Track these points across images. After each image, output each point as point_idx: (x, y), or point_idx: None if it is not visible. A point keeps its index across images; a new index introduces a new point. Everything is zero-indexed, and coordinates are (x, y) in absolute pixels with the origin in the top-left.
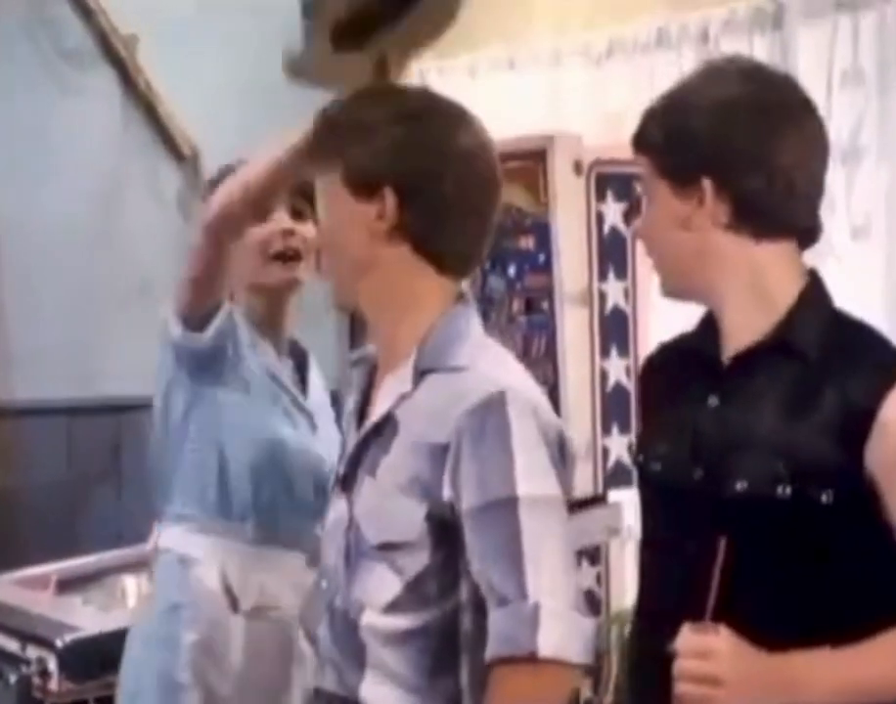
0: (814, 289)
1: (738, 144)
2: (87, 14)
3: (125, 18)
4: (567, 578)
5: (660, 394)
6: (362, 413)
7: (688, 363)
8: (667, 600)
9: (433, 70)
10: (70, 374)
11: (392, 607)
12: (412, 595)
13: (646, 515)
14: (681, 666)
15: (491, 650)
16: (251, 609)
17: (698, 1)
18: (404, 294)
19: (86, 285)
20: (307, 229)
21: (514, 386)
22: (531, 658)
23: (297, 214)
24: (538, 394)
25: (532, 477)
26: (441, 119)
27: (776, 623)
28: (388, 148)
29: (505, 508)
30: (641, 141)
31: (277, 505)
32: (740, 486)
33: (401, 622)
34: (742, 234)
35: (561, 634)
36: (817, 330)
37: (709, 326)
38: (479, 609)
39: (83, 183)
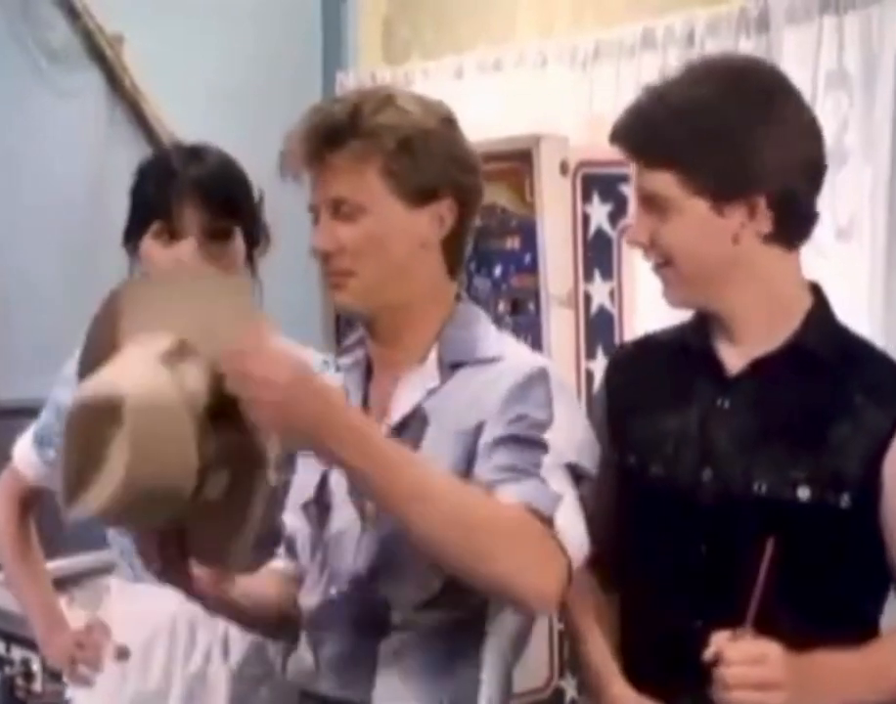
0: (822, 302)
1: (786, 155)
2: (73, 14)
3: (111, 17)
4: (582, 521)
5: (646, 395)
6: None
7: (681, 364)
8: (674, 602)
9: (419, 72)
10: (59, 373)
11: (430, 604)
12: (450, 589)
13: (635, 517)
14: (736, 673)
15: (517, 495)
16: None
17: (684, 3)
18: (428, 294)
19: (73, 285)
20: (226, 251)
21: (551, 365)
22: (549, 521)
23: (221, 234)
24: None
25: (567, 436)
26: None
27: (793, 624)
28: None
29: (531, 444)
30: (659, 152)
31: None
32: (758, 487)
33: (435, 616)
34: (776, 244)
35: (576, 526)
36: (830, 341)
37: (702, 327)
38: None
39: (69, 183)
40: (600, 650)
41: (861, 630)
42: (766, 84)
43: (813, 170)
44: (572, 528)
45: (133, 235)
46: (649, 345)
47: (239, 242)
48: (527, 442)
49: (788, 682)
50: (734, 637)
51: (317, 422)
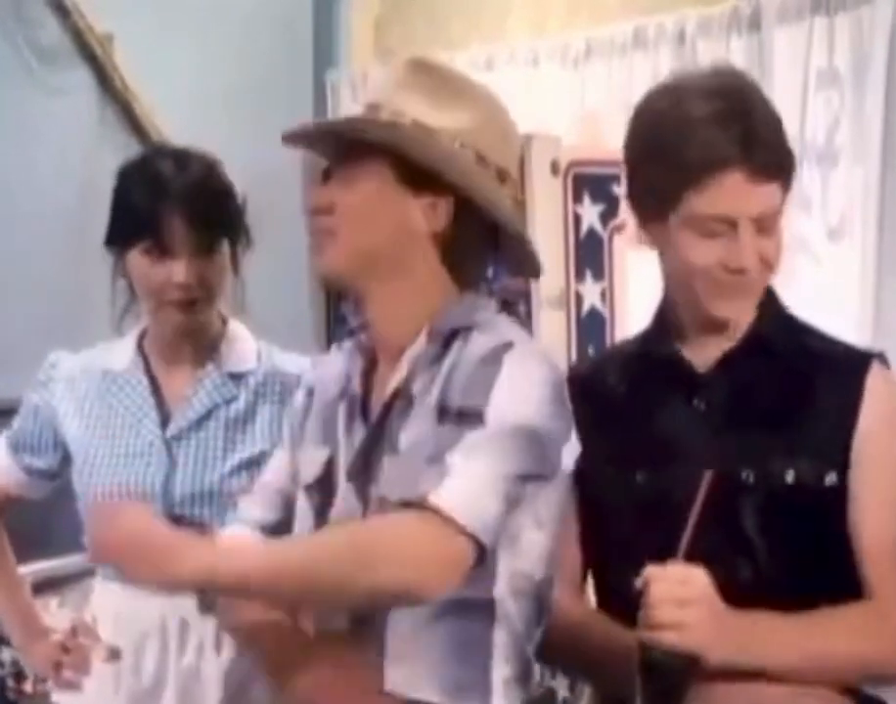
0: (773, 293)
1: None
2: (63, 12)
3: (102, 16)
4: (502, 479)
5: (616, 406)
6: (364, 404)
7: (648, 371)
8: None
9: None
10: (33, 376)
11: None
12: None
13: (623, 528)
14: (659, 590)
15: (395, 493)
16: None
17: (675, 2)
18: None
19: (60, 284)
20: (214, 267)
21: (524, 340)
22: (422, 503)
23: (209, 248)
24: (552, 358)
25: (510, 403)
26: None
27: (790, 605)
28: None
29: (471, 417)
30: (779, 169)
31: None
32: (746, 477)
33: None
34: None
35: (463, 495)
36: (786, 329)
37: (664, 332)
38: (514, 578)
39: (58, 182)
40: (601, 627)
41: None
42: None
43: None
44: (465, 488)
45: (118, 243)
46: (608, 360)
47: (225, 250)
48: (466, 417)
49: (710, 605)
50: (667, 563)
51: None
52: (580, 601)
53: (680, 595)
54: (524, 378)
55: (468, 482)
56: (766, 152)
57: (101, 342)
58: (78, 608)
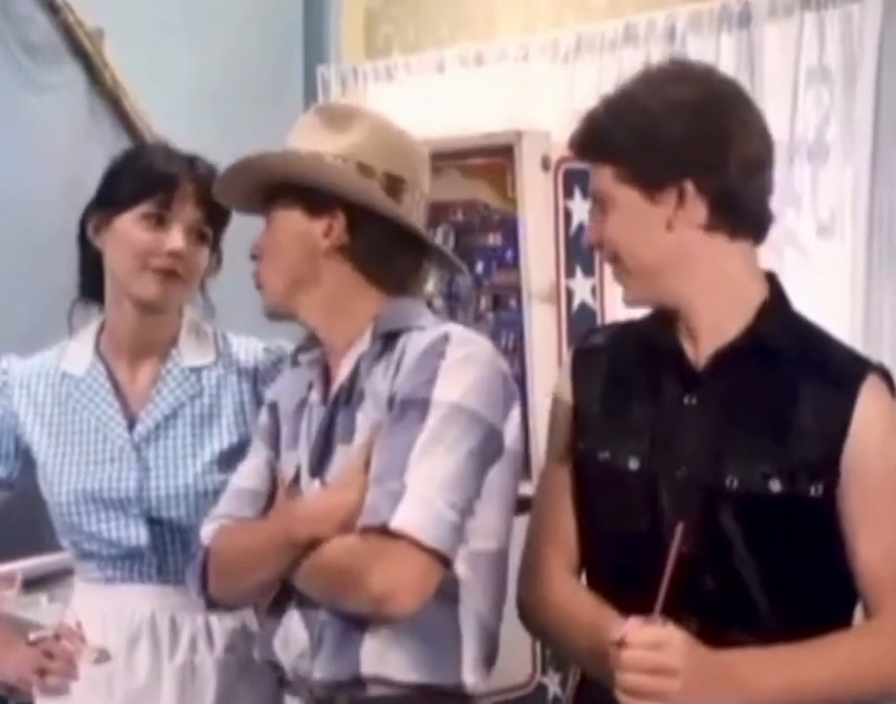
0: (778, 291)
1: (713, 143)
2: (53, 8)
3: (91, 12)
4: (454, 480)
5: (617, 389)
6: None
7: (648, 359)
8: (646, 597)
9: (401, 66)
10: None
11: None
12: None
13: (612, 513)
14: (632, 657)
15: (359, 521)
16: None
17: None
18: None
19: (51, 281)
20: (201, 255)
21: (460, 331)
22: (383, 529)
23: (200, 237)
24: (488, 344)
25: (452, 387)
26: None
27: (774, 617)
28: None
29: (417, 407)
30: (596, 149)
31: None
32: (730, 483)
33: None
34: (718, 233)
35: (418, 514)
36: (786, 331)
37: (664, 321)
38: (471, 557)
39: (48, 178)
40: (590, 604)
41: (842, 622)
42: (699, 84)
43: (750, 165)
44: (420, 507)
45: (117, 203)
46: (618, 338)
47: (208, 249)
48: (413, 404)
49: (686, 670)
50: (644, 622)
51: None
52: (572, 578)
53: (654, 663)
54: (465, 367)
55: (422, 500)
56: (581, 138)
57: (55, 345)
58: (69, 604)
